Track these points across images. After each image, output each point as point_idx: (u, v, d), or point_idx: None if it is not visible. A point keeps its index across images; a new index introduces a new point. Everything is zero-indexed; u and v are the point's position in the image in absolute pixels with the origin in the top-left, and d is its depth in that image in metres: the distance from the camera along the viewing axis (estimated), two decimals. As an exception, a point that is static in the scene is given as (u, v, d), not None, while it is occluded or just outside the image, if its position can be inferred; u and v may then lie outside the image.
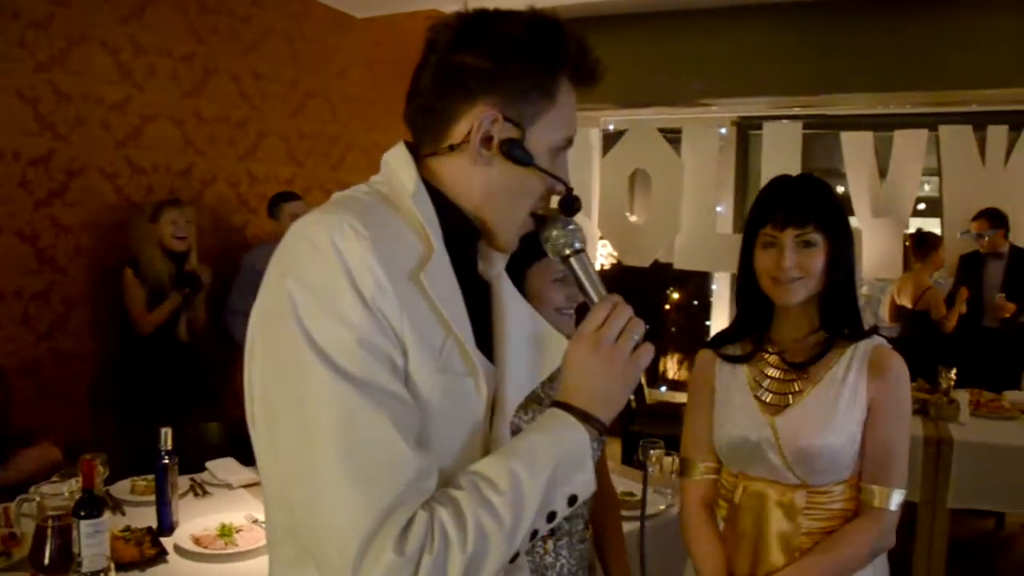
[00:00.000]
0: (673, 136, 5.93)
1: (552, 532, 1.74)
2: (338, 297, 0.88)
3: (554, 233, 1.07)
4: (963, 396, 3.80)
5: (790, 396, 1.66)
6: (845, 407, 1.61)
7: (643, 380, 5.83)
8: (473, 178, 1.02)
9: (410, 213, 0.99)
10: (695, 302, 7.35)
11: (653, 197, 5.97)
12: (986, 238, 5.09)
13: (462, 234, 1.05)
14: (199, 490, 2.58)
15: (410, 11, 5.21)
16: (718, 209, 6.02)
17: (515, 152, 0.99)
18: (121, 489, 2.51)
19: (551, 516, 0.96)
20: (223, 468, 2.71)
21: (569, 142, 1.06)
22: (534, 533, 0.94)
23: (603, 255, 6.87)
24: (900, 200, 5.66)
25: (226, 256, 4.51)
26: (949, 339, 5.08)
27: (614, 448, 5.05)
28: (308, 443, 0.87)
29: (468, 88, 0.99)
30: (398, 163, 1.04)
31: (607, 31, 6.01)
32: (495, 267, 1.13)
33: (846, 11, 5.41)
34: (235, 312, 4.21)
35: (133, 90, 4.22)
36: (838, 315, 1.66)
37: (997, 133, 5.43)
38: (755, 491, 1.67)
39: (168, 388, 3.79)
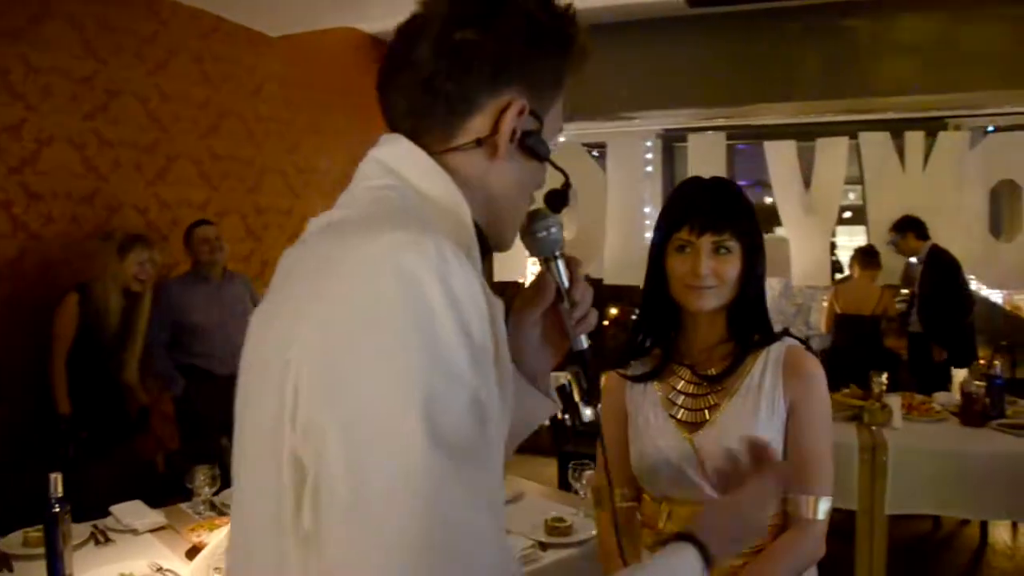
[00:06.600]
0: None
1: None
2: (445, 345, 0.70)
3: (553, 229, 0.98)
4: (895, 400, 3.78)
5: (706, 411, 1.56)
6: (765, 417, 1.52)
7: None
8: (489, 175, 0.88)
9: (455, 226, 0.83)
10: (633, 317, 7.30)
11: (579, 212, 5.92)
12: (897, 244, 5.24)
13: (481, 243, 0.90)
14: (100, 537, 2.39)
15: (324, 28, 5.09)
16: (647, 222, 5.99)
17: (538, 147, 0.88)
18: (12, 542, 2.32)
19: None
20: (129, 512, 2.52)
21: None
22: None
23: (532, 274, 6.79)
24: (825, 207, 5.71)
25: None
26: (880, 345, 5.11)
27: (550, 470, 4.91)
28: (378, 521, 0.67)
29: (493, 74, 0.84)
30: (418, 168, 0.86)
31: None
32: None
33: (765, 22, 5.46)
34: (155, 344, 4.04)
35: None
36: (748, 324, 1.58)
37: (915, 139, 5.54)
38: (681, 515, 1.56)
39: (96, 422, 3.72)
